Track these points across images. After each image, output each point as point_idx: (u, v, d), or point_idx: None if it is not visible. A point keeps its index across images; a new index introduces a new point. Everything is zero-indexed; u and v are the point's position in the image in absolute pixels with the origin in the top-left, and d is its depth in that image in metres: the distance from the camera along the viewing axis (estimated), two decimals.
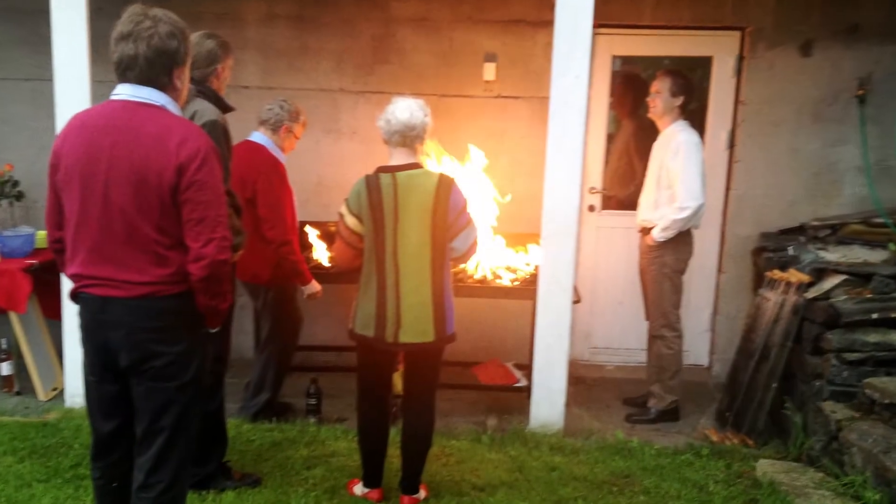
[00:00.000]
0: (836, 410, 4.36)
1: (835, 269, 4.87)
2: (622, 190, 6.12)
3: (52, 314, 5.27)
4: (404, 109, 3.61)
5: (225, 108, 3.76)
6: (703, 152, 4.99)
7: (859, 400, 4.37)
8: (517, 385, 5.22)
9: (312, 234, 5.27)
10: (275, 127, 4.67)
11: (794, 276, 4.90)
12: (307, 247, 5.20)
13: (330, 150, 6.00)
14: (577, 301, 4.85)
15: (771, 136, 5.74)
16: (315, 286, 4.75)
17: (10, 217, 5.73)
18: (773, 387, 4.83)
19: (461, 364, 5.48)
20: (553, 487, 4.14)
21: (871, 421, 4.19)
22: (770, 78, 5.67)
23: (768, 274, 5.18)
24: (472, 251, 3.73)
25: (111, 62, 2.76)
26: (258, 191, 4.49)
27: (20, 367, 5.30)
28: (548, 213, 4.62)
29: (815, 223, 5.49)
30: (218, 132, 3.51)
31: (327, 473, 4.19)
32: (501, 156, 5.70)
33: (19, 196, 5.62)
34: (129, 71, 2.73)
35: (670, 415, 5.18)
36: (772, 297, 5.00)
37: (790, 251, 5.31)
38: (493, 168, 5.26)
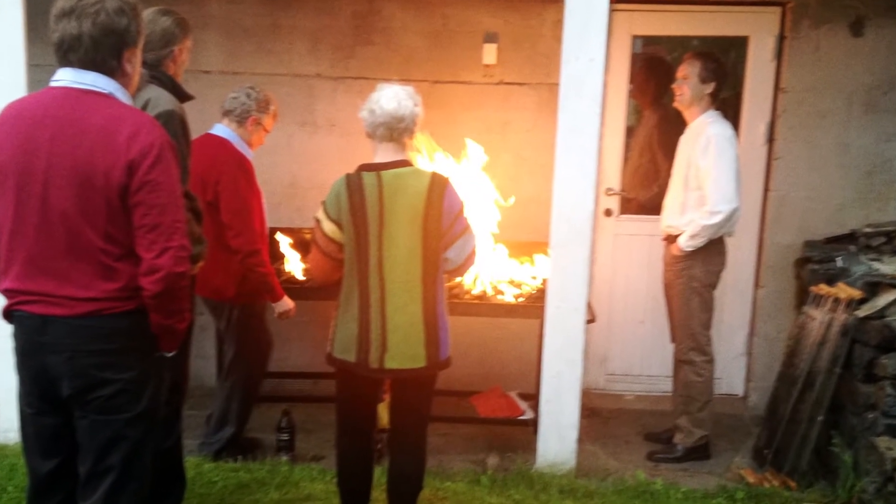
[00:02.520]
0: (892, 447, 4.37)
1: (890, 283, 4.88)
2: (644, 191, 6.15)
3: None
4: (391, 98, 3.62)
5: (183, 96, 3.77)
6: (738, 148, 5.01)
7: None
8: (522, 418, 5.22)
9: (284, 242, 5.28)
10: (241, 118, 4.68)
11: (844, 291, 4.91)
12: (278, 258, 5.21)
13: (305, 145, 6.02)
14: (591, 320, 4.86)
15: (816, 128, 5.76)
16: (287, 303, 4.75)
17: None
18: (818, 420, 4.84)
19: (457, 393, 5.49)
20: None
21: None
22: (815, 61, 5.69)
23: (813, 289, 5.19)
24: (469, 262, 3.74)
25: (51, 43, 2.77)
26: (221, 192, 4.50)
27: None
28: (557, 218, 4.63)
29: (868, 230, 5.50)
30: (175, 124, 3.51)
31: None
32: (504, 152, 5.72)
33: None
34: (71, 53, 2.74)
35: (700, 452, 5.19)
36: (817, 316, 5.01)
37: (839, 262, 5.32)
38: (493, 166, 5.28)
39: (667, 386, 5.58)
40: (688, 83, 5.02)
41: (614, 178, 6.11)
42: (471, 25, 5.86)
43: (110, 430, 2.80)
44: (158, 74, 3.71)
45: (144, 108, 3.45)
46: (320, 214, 3.68)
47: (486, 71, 5.89)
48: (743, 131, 5.84)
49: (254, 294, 4.69)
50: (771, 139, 5.88)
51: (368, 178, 3.59)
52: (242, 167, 4.60)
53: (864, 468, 4.50)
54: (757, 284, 6.04)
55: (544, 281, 4.89)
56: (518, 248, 5.34)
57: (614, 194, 6.11)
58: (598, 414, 5.89)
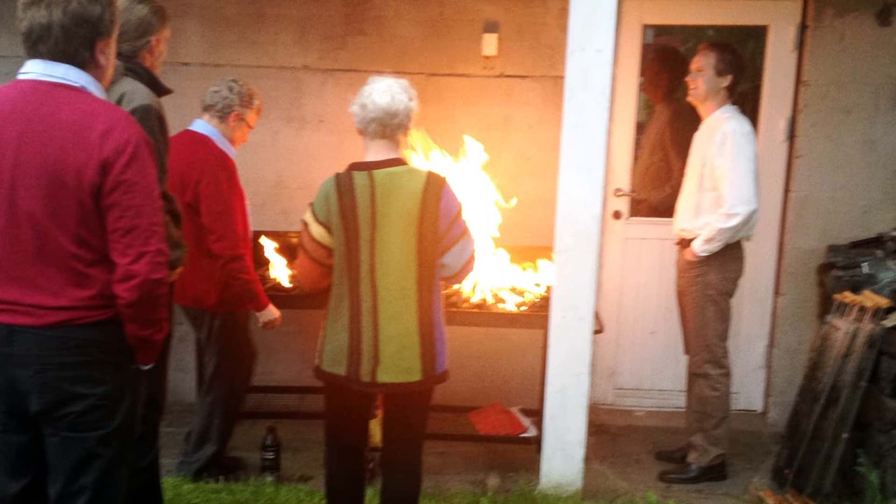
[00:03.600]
0: None
1: None
2: (655, 192, 6.16)
3: None
4: (384, 92, 3.62)
5: (160, 89, 3.77)
6: (757, 145, 5.01)
7: None
8: (524, 435, 5.23)
9: (269, 247, 5.28)
10: (223, 114, 4.68)
11: (870, 299, 4.92)
12: (263, 263, 5.21)
13: (291, 142, 6.03)
14: (599, 331, 4.87)
15: (841, 124, 5.77)
16: (272, 312, 4.75)
17: None
18: (843, 437, 4.84)
19: (454, 409, 5.49)
20: None
21: None
22: (840, 52, 5.70)
23: (837, 297, 5.19)
24: (468, 269, 3.74)
25: (18, 33, 2.77)
26: (202, 193, 4.50)
27: None
28: (562, 221, 4.64)
29: None
30: (152, 120, 3.52)
31: None
32: (505, 150, 5.73)
33: None
34: (40, 44, 2.75)
35: (715, 472, 5.18)
36: (842, 326, 5.02)
37: (865, 268, 5.33)
38: (494, 165, 5.29)
39: (680, 401, 5.60)
40: (703, 76, 5.02)
41: (624, 178, 6.11)
42: (470, 14, 5.87)
43: (82, 448, 2.81)
44: (134, 67, 3.71)
45: (119, 102, 3.45)
46: (308, 217, 3.68)
47: (485, 63, 5.90)
48: (762, 127, 5.86)
49: (236, 302, 4.69)
50: (792, 136, 5.89)
51: (359, 178, 3.59)
52: (224, 166, 4.61)
53: (892, 489, 4.51)
54: (777, 292, 6.05)
55: (548, 288, 4.90)
56: (520, 254, 5.34)
57: (624, 195, 6.12)
58: (606, 431, 5.90)
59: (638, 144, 6.14)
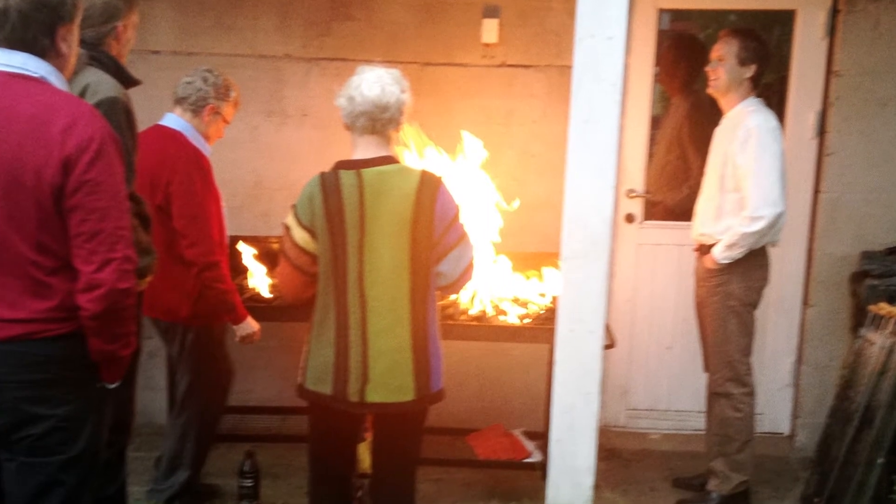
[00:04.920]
0: None
1: None
2: (672, 193, 6.17)
3: None
4: (373, 83, 3.63)
5: (128, 80, 3.78)
6: (783, 141, 5.02)
7: None
8: (528, 461, 5.23)
9: (248, 253, 5.29)
10: (196, 107, 4.69)
11: None
12: (241, 271, 5.22)
13: (272, 138, 6.03)
14: (610, 346, 4.87)
15: (875, 118, 5.77)
16: (251, 325, 4.76)
17: None
18: (878, 463, 4.85)
19: (452, 432, 5.49)
20: None
21: None
22: (874, 39, 5.71)
23: (872, 308, 5.20)
24: (466, 277, 3.76)
25: None
26: (174, 194, 4.50)
27: None
28: (570, 225, 4.64)
29: None
30: (118, 114, 3.53)
31: None
32: (507, 147, 5.74)
33: None
34: None
35: (738, 501, 5.18)
36: (877, 340, 5.02)
37: None
38: (495, 163, 5.29)
39: (699, 423, 5.59)
40: (724, 65, 5.03)
41: (637, 178, 6.12)
42: None
43: (42, 474, 2.81)
44: (99, 55, 3.72)
45: (83, 94, 3.46)
46: (290, 220, 3.69)
47: (485, 51, 5.91)
48: (789, 122, 5.86)
49: (212, 314, 4.69)
50: (822, 131, 5.90)
51: (347, 178, 3.60)
52: (198, 165, 4.61)
53: None
54: (805, 303, 6.06)
55: (554, 299, 4.90)
56: (524, 261, 5.35)
57: (637, 197, 6.13)
58: (617, 456, 5.91)
59: (653, 141, 6.15)
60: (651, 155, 6.15)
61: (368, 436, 4.23)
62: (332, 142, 5.39)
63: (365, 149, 3.67)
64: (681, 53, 6.15)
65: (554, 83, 5.82)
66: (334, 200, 3.58)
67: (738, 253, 4.93)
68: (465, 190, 4.98)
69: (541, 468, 5.00)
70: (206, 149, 4.72)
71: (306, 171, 3.86)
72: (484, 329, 4.95)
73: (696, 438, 5.70)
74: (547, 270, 5.25)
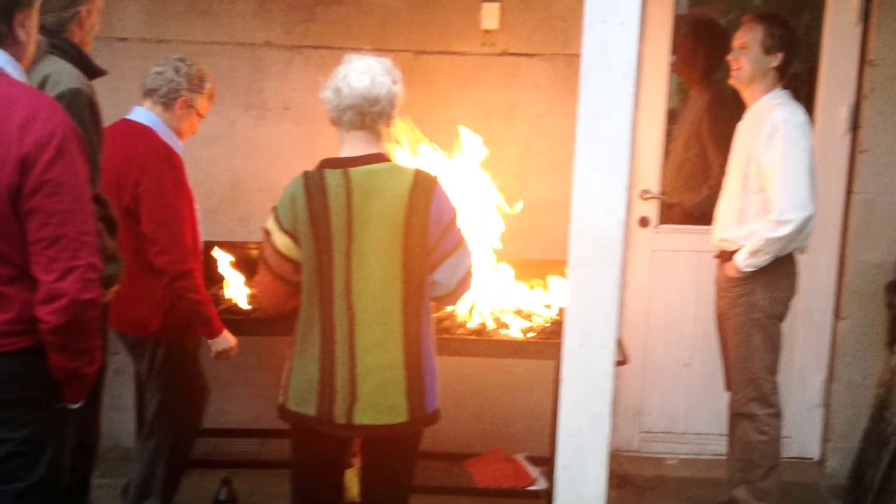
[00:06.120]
0: None
1: None
2: (690, 194, 6.18)
3: None
4: (362, 74, 3.64)
5: (92, 70, 3.79)
6: (812, 137, 5.02)
7: None
8: (532, 488, 5.24)
9: (224, 261, 5.30)
10: (167, 100, 4.69)
11: None
12: (217, 280, 5.23)
13: (251, 133, 6.04)
14: (622, 362, 4.88)
15: None
16: (228, 339, 4.76)
17: None
18: None
19: (448, 457, 5.50)
20: None
21: None
22: None
23: None
24: (463, 287, 3.77)
25: None
26: (142, 196, 4.50)
27: None
28: (578, 229, 4.64)
29: None
30: (81, 107, 3.53)
31: None
32: (509, 143, 5.75)
33: None
34: None
35: None
36: None
37: None
38: (496, 161, 5.30)
39: (720, 447, 5.60)
40: (747, 54, 5.03)
41: (652, 178, 6.13)
42: None
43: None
44: (61, 43, 3.72)
45: (42, 85, 3.46)
46: (270, 224, 3.69)
47: (485, 38, 5.92)
48: (819, 116, 5.87)
49: (184, 328, 4.69)
50: (855, 126, 5.91)
51: (333, 178, 3.61)
52: (169, 163, 4.61)
53: None
54: (837, 315, 6.07)
55: (561, 311, 4.91)
56: (527, 268, 5.37)
57: (652, 198, 6.14)
58: (630, 483, 5.92)
59: (669, 137, 6.16)
60: (667, 152, 6.16)
61: (356, 461, 4.23)
62: (317, 138, 5.40)
63: (353, 146, 3.68)
64: (700, 41, 6.16)
65: (560, 73, 5.83)
66: (319, 202, 3.58)
67: (762, 260, 4.94)
68: (463, 191, 4.99)
69: (546, 497, 5.01)
70: (178, 145, 4.71)
71: (288, 169, 3.87)
72: (484, 344, 4.95)
73: (717, 464, 5.70)
74: (553, 279, 5.27)
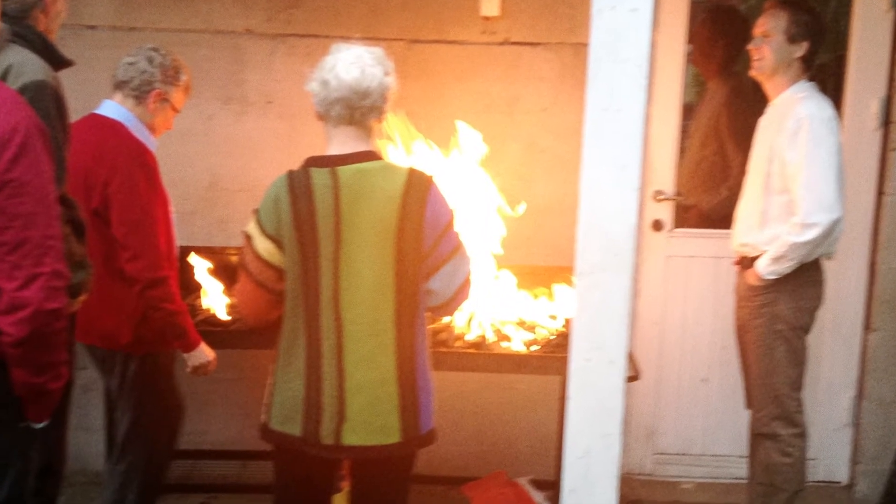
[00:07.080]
0: None
1: None
2: (708, 196, 6.19)
3: None
4: (351, 64, 3.63)
5: (58, 61, 3.79)
6: (841, 134, 5.02)
7: None
8: None
9: (201, 267, 5.30)
10: (140, 93, 4.69)
11: None
12: (193, 289, 5.22)
13: (230, 129, 6.04)
14: (634, 378, 4.88)
15: None
16: (205, 353, 4.76)
17: None
18: None
19: (445, 480, 5.51)
20: None
21: None
22: None
23: None
24: (461, 296, 3.77)
25: None
26: (113, 197, 4.50)
27: None
28: (586, 233, 4.65)
29: None
30: (47, 100, 3.53)
31: None
32: (511, 140, 5.76)
33: None
34: None
35: None
36: None
37: None
38: (497, 160, 5.31)
39: (740, 470, 5.60)
40: (770, 43, 5.03)
41: (666, 178, 6.14)
42: None
43: None
44: (23, 31, 3.72)
45: (4, 77, 3.47)
46: (252, 229, 3.68)
47: (485, 26, 5.93)
48: (847, 111, 5.89)
49: (158, 340, 4.68)
50: (887, 122, 5.92)
51: (319, 178, 3.60)
52: (142, 161, 4.60)
53: None
54: (867, 327, 6.08)
55: (567, 322, 4.91)
56: (531, 276, 5.37)
57: (666, 200, 6.14)
58: None
59: (685, 133, 6.17)
60: (683, 150, 6.17)
61: (345, 485, 4.23)
62: (302, 134, 5.42)
63: (341, 143, 3.67)
64: (718, 29, 6.17)
65: (567, 64, 5.84)
66: (305, 204, 3.57)
67: (786, 267, 4.94)
68: (461, 192, 5.00)
69: None
70: (151, 142, 4.71)
71: (271, 168, 3.87)
72: (483, 358, 4.95)
73: (737, 488, 5.71)
74: (558, 287, 5.27)
